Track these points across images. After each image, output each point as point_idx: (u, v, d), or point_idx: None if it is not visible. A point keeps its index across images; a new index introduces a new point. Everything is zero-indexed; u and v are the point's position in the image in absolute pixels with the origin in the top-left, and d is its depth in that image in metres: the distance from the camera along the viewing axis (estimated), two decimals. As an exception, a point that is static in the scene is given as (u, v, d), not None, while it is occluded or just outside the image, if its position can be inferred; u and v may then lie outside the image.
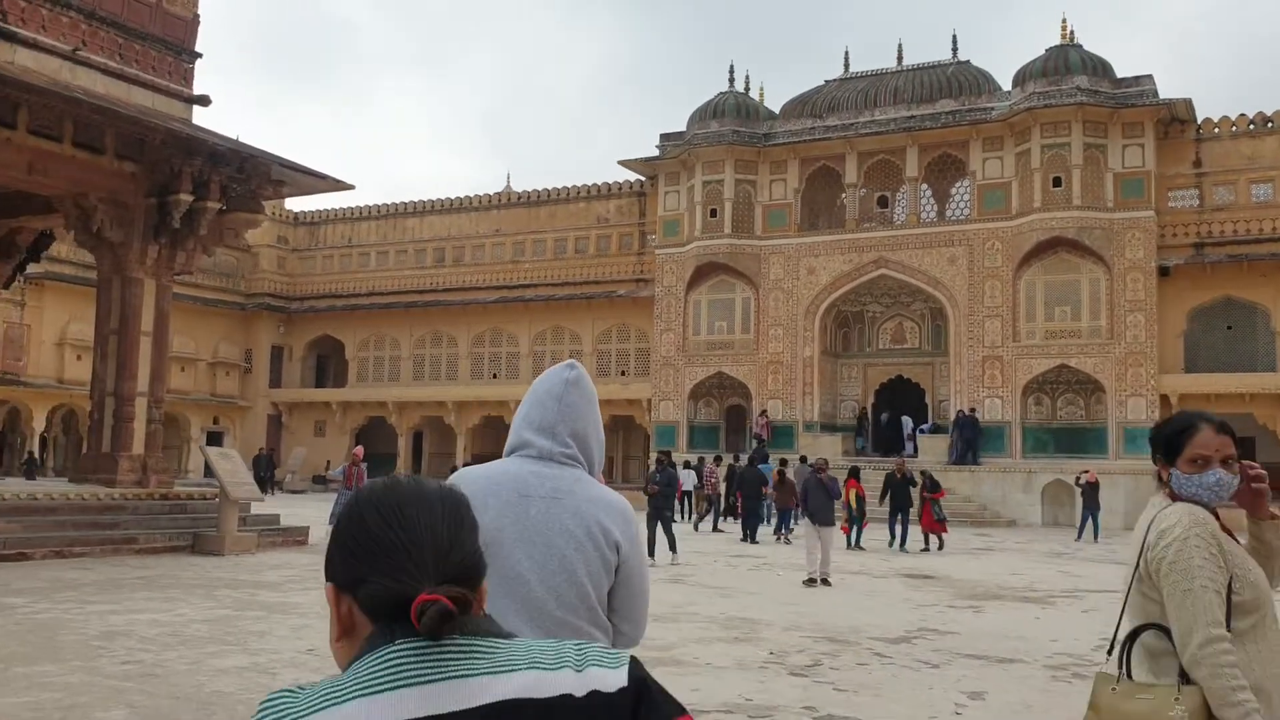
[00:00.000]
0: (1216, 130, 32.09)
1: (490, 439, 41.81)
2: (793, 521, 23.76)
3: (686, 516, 28.10)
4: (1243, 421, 31.09)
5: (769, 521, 26.22)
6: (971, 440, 31.57)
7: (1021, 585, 14.94)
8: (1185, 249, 31.75)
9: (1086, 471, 27.20)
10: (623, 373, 39.60)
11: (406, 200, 44.57)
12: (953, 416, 32.91)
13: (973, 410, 31.89)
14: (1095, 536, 24.68)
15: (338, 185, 18.38)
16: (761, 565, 16.98)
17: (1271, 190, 31.37)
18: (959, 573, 16.64)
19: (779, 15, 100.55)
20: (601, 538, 2.33)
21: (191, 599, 11.47)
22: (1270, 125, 31.48)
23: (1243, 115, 31.81)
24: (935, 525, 21.12)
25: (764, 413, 34.40)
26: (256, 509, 18.30)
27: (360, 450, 19.71)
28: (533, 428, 2.44)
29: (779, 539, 23.23)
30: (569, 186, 41.24)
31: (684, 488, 27.92)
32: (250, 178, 17.86)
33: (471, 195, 43.21)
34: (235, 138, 17.88)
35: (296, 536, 18.34)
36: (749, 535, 23.28)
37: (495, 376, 41.84)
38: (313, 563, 15.61)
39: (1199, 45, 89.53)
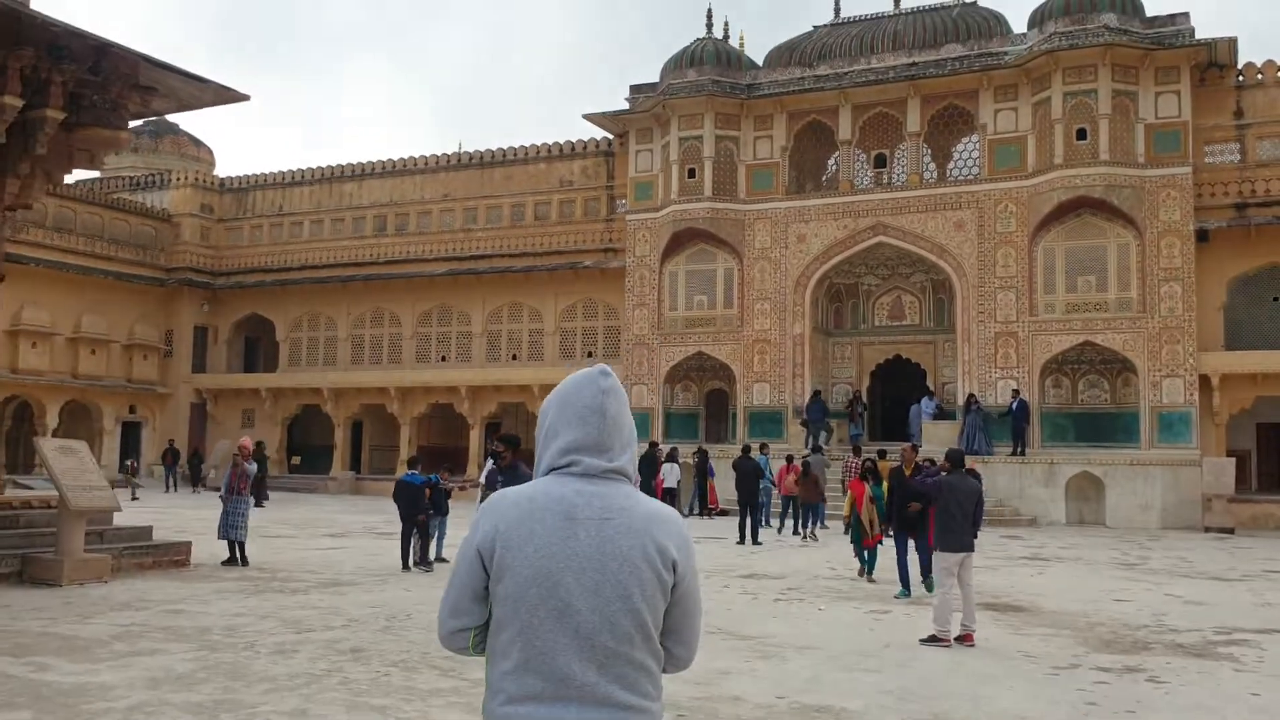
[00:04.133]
0: (1260, 76, 28.34)
1: (439, 429, 37.48)
2: (818, 521, 21.13)
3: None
4: (1291, 405, 27.60)
5: (767, 521, 22.46)
6: (1021, 430, 27.68)
7: (1149, 621, 11.00)
8: (1225, 210, 28.04)
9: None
10: (589, 354, 35.33)
11: (344, 163, 39.91)
12: (961, 400, 29.12)
13: (1016, 392, 27.97)
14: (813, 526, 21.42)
15: (225, 94, 14.02)
16: (789, 591, 12.90)
17: (1324, 144, 27.75)
18: (1042, 599, 12.68)
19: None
20: (658, 558, 2.23)
21: (-66, 681, 7.19)
22: (1322, 70, 27.85)
23: (1290, 59, 28.15)
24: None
25: (819, 394, 30.33)
26: (119, 520, 13.95)
27: (248, 443, 15.38)
28: (576, 448, 2.31)
29: (804, 539, 19.81)
30: (527, 145, 36.79)
31: (666, 484, 23.85)
32: (109, 83, 13.46)
33: (417, 156, 38.65)
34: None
35: (174, 555, 14.00)
36: (745, 536, 19.62)
37: (444, 359, 37.39)
38: (179, 597, 11.34)
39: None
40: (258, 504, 29.39)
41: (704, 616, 2.46)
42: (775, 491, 23.20)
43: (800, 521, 21.03)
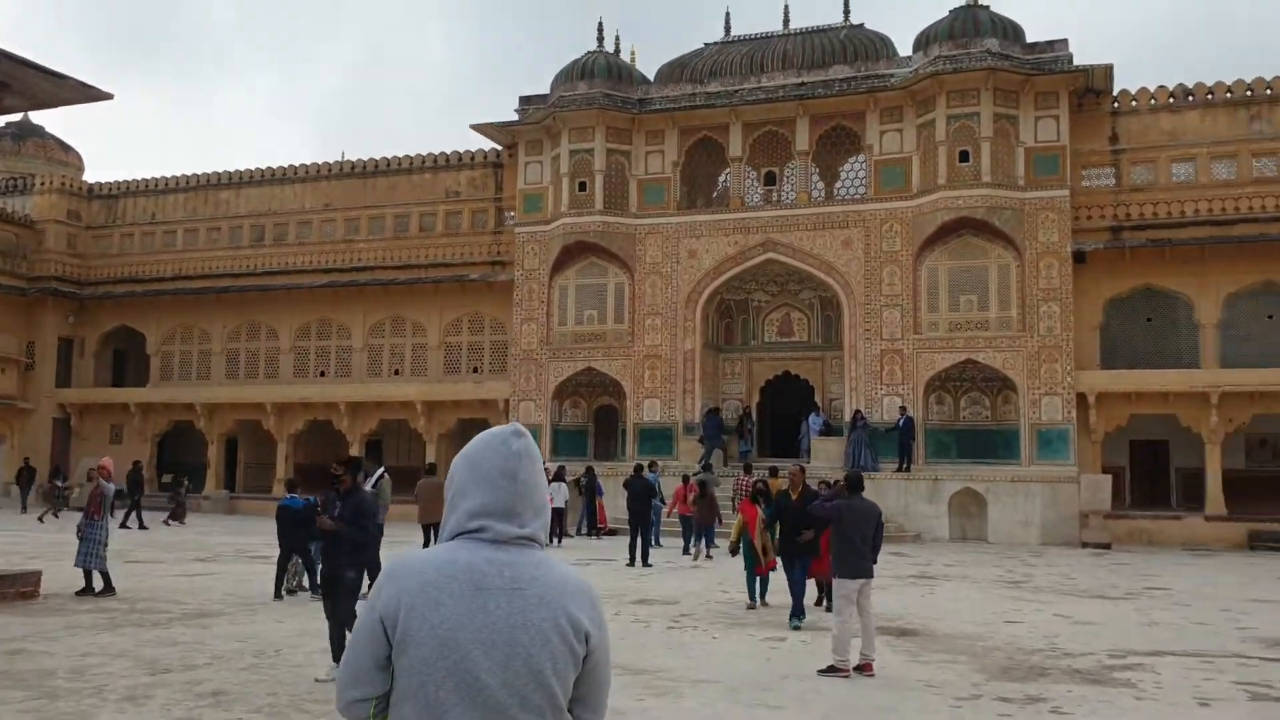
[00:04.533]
0: (1134, 103, 29.29)
1: (316, 447, 36.24)
2: (710, 542, 20.82)
3: (558, 539, 23.48)
4: (1163, 424, 28.39)
5: (657, 542, 22.09)
6: (907, 447, 27.87)
7: (1043, 645, 10.93)
8: (1101, 233, 28.83)
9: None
10: (475, 369, 34.63)
11: (220, 170, 38.46)
12: (848, 416, 29.28)
13: (903, 409, 28.17)
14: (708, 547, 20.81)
15: (86, 92, 13.09)
16: (682, 618, 12.52)
17: (1194, 170, 28.68)
18: (936, 622, 12.58)
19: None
20: (570, 630, 2.17)
21: None
22: (1192, 99, 28.81)
23: (1162, 88, 29.08)
24: (825, 566, 11.88)
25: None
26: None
27: (108, 463, 14.35)
28: (486, 513, 2.22)
29: (695, 558, 19.64)
30: (412, 155, 35.95)
31: (554, 504, 23.29)
32: (-45, 78, 12.47)
33: (297, 164, 37.45)
34: None
35: (20, 586, 12.96)
36: (635, 558, 19.19)
37: (323, 375, 36.23)
38: (21, 635, 10.42)
39: (1113, 18, 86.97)
40: (179, 521, 28.69)
41: None
42: (665, 511, 22.90)
43: (693, 540, 20.75)
